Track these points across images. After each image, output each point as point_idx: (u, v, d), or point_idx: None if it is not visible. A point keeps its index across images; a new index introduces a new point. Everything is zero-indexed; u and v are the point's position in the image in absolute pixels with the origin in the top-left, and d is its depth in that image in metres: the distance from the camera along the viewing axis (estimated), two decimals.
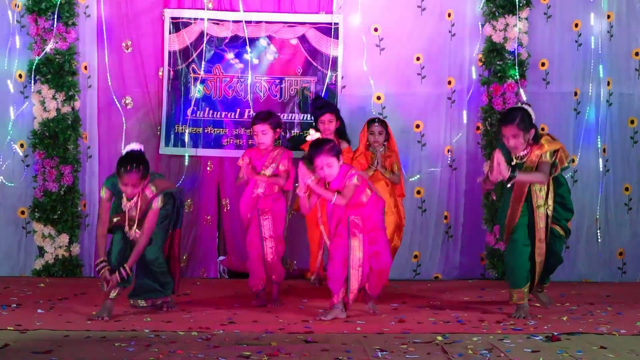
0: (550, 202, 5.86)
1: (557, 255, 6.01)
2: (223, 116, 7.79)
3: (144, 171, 5.65)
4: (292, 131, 7.78)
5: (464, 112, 7.90)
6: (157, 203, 5.73)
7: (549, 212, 5.85)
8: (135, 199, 5.71)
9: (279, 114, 7.09)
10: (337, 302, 5.74)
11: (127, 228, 5.77)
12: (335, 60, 7.79)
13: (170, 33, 7.72)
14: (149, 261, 5.85)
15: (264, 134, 6.32)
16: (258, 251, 6.31)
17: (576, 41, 7.88)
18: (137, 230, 5.75)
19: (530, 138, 5.76)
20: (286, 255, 7.40)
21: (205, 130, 7.78)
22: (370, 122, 7.04)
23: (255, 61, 7.80)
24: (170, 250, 6.04)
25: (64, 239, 7.58)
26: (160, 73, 7.75)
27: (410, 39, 7.90)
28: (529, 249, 5.85)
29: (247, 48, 7.76)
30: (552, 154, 5.80)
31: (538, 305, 6.14)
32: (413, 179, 7.88)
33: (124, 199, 5.75)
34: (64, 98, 7.58)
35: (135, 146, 5.76)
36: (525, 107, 5.85)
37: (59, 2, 7.50)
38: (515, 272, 5.85)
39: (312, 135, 5.97)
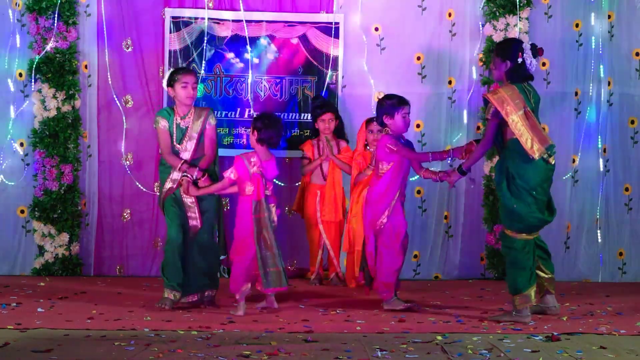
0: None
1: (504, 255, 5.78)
2: (223, 115, 7.78)
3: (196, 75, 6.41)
4: (292, 131, 7.78)
5: (465, 112, 7.89)
6: (213, 120, 6.21)
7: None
8: (189, 117, 6.14)
9: (279, 114, 7.25)
10: (393, 295, 6.07)
11: (178, 147, 6.12)
12: (335, 60, 7.78)
13: (170, 32, 7.71)
14: (203, 243, 6.03)
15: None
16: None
17: (577, 41, 7.88)
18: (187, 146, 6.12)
19: (507, 69, 5.56)
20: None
21: None
22: (369, 121, 7.04)
23: (256, 60, 7.80)
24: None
25: (64, 237, 7.58)
26: (161, 72, 7.74)
27: (410, 38, 7.89)
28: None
29: (248, 47, 7.76)
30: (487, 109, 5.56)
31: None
32: (413, 179, 7.86)
33: (177, 118, 6.14)
34: (64, 97, 7.57)
35: None
36: (526, 45, 5.58)
37: (59, 1, 7.49)
38: None
39: None
